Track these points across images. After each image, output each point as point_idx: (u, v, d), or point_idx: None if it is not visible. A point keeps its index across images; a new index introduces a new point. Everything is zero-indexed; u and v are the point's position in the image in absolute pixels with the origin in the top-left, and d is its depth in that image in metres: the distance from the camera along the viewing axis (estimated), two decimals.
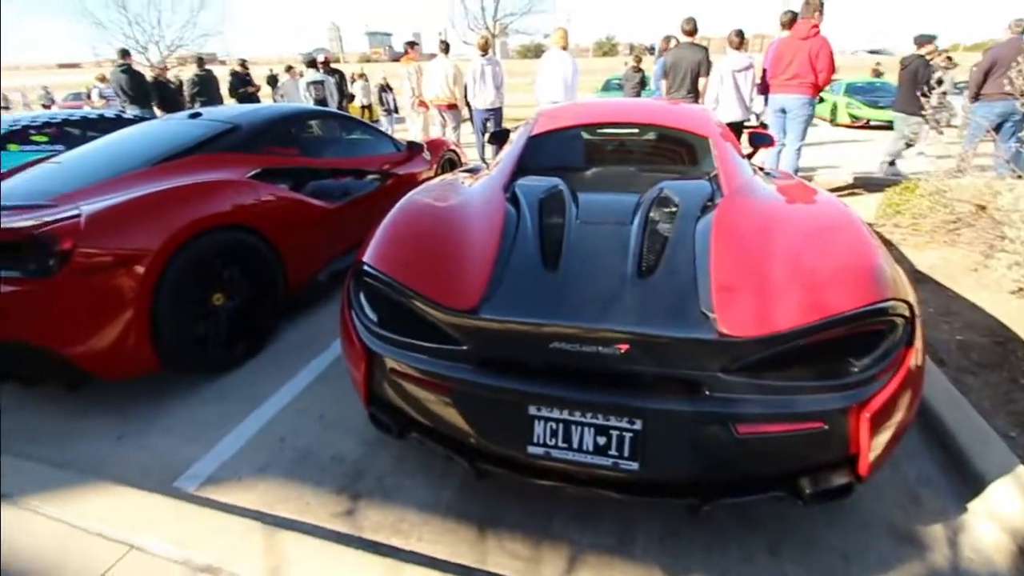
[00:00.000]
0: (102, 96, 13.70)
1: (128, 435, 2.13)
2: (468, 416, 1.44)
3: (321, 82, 7.80)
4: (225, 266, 2.50)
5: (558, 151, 2.73)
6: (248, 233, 2.60)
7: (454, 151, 5.18)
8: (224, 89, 8.48)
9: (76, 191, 2.29)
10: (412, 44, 7.97)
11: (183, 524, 1.61)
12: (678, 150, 2.79)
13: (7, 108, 16.59)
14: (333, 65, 10.29)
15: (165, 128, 3.13)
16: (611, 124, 2.93)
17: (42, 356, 1.99)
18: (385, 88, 11.61)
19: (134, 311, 2.08)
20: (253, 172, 2.81)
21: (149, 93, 7.29)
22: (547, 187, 2.05)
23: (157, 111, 7.31)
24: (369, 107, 12.40)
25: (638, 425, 1.32)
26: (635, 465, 1.33)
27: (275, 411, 2.25)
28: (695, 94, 5.58)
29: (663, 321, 1.35)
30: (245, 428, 2.14)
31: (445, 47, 7.01)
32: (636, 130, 2.93)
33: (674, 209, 1.83)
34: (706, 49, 5.57)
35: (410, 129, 8.07)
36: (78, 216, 1.99)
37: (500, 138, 3.99)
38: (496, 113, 7.05)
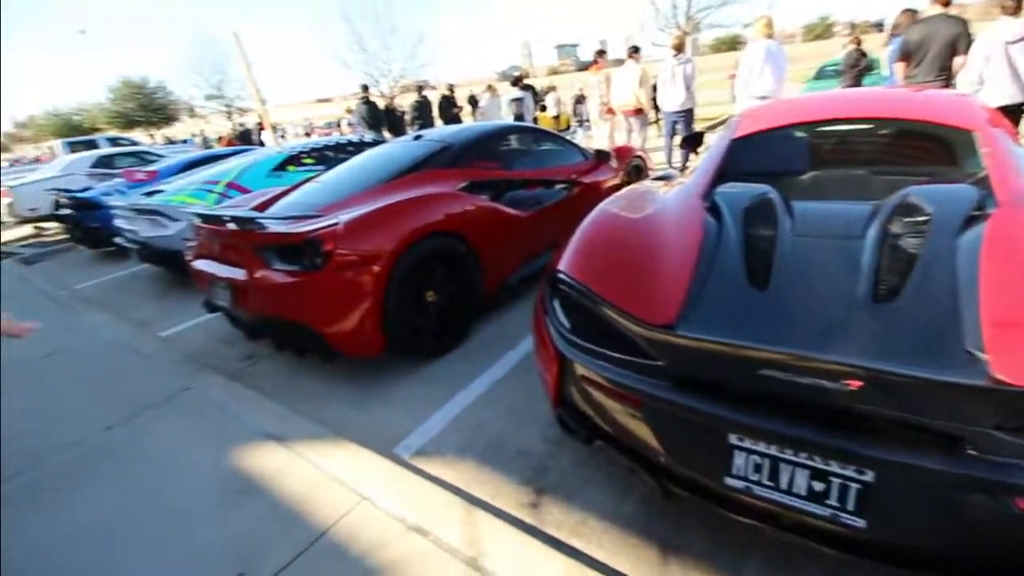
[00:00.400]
0: (349, 124, 17.08)
1: (362, 404, 2.60)
2: (659, 434, 1.41)
3: (521, 99, 8.40)
4: (436, 268, 2.88)
5: (767, 154, 2.48)
6: (455, 239, 2.94)
7: (640, 157, 5.09)
8: (435, 111, 9.77)
9: (334, 204, 2.88)
10: (601, 53, 8.07)
11: (400, 487, 1.90)
12: (928, 148, 2.30)
13: (283, 136, 21.67)
14: (526, 81, 11.01)
15: (396, 150, 3.73)
16: (838, 120, 2.54)
17: (307, 332, 2.55)
18: (580, 99, 11.97)
19: (371, 301, 2.53)
20: (461, 185, 3.18)
21: (382, 120, 8.77)
22: (754, 195, 1.88)
23: (387, 134, 8.73)
24: (558, 117, 12.94)
25: (868, 476, 1.13)
26: (861, 522, 1.15)
27: (472, 399, 2.50)
28: (946, 77, 4.52)
29: (911, 357, 1.13)
30: (447, 411, 2.43)
31: (634, 51, 6.93)
32: (869, 125, 2.50)
33: (925, 220, 1.52)
34: (965, 22, 4.47)
35: (595, 137, 8.19)
36: (337, 224, 2.50)
37: (694, 142, 3.79)
38: (686, 115, 6.71)
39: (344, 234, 2.48)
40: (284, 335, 2.75)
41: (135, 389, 2.83)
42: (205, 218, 2.84)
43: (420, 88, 9.57)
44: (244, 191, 4.77)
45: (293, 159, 5.40)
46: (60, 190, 6.86)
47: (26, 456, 2.32)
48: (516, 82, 8.90)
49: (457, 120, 10.02)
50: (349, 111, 17.01)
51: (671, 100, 6.63)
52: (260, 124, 16.44)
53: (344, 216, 2.58)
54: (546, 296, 1.82)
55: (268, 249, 2.58)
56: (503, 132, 3.96)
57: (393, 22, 22.90)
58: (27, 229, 9.95)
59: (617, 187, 4.64)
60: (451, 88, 10.01)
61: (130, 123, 36.35)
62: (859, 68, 8.01)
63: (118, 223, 5.03)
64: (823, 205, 1.89)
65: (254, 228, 2.62)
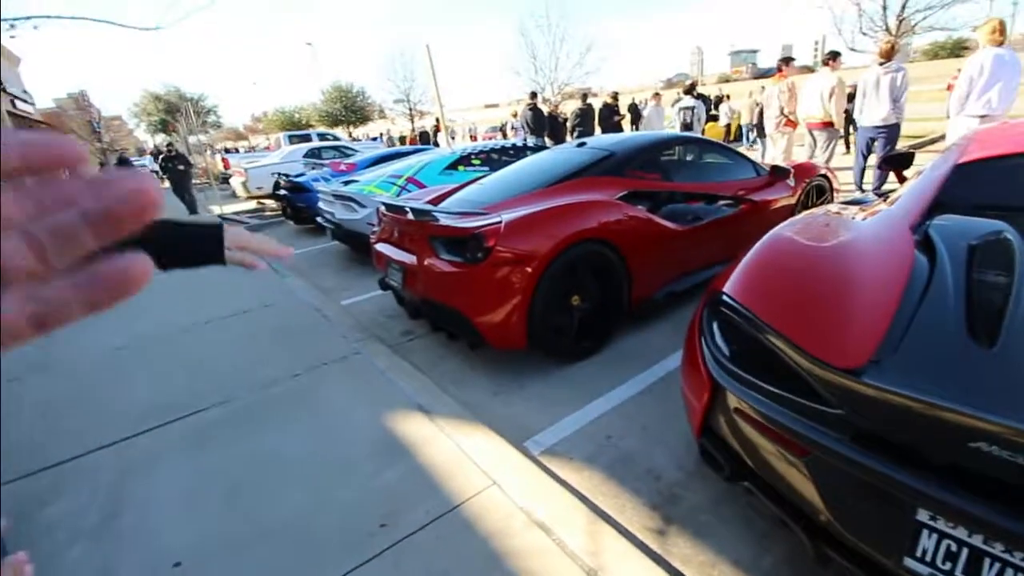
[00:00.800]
0: (512, 128, 18.06)
1: (500, 393, 2.74)
2: (825, 490, 1.25)
3: (692, 107, 8.06)
4: (585, 273, 2.90)
5: (1002, 185, 2.03)
6: (607, 247, 2.94)
7: (825, 177, 4.52)
8: (592, 119, 9.82)
9: (499, 203, 3.07)
10: (787, 60, 7.32)
11: (528, 480, 1.97)
12: None
13: (453, 137, 23.64)
14: (699, 90, 10.50)
15: (559, 155, 3.84)
16: None
17: (461, 319, 2.77)
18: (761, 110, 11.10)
19: (520, 298, 2.65)
20: (621, 194, 3.16)
21: (544, 125, 9.08)
22: (984, 231, 1.55)
23: (547, 140, 9.03)
24: (728, 127, 12.13)
25: None
26: None
27: (605, 409, 2.48)
28: None
29: None
30: (580, 416, 2.44)
31: (832, 57, 6.17)
32: None
33: None
34: None
35: (763, 150, 7.46)
36: (500, 223, 2.66)
37: (900, 163, 3.26)
38: (888, 132, 5.80)
39: (505, 232, 2.63)
40: (441, 318, 3.02)
41: (319, 345, 3.35)
42: (389, 207, 3.25)
43: (584, 96, 9.66)
44: (420, 186, 5.33)
45: (463, 160, 5.87)
46: (281, 174, 8.38)
47: (232, 390, 2.89)
48: (689, 90, 8.53)
49: (618, 128, 9.94)
50: (514, 115, 17.98)
51: (872, 114, 5.78)
52: (436, 127, 18.16)
53: (507, 215, 2.74)
54: (704, 317, 1.73)
55: (438, 239, 2.85)
56: (668, 142, 3.84)
57: (564, 31, 23.45)
58: (252, 204, 12.33)
59: (792, 208, 4.21)
60: (614, 96, 9.96)
61: (335, 121, 42.80)
62: None
63: (320, 205, 5.98)
64: None
65: (428, 219, 2.91)
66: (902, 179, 3.16)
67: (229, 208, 11.84)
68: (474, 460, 2.09)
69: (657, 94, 12.46)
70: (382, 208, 3.40)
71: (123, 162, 10.07)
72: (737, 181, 3.90)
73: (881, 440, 1.17)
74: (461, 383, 2.89)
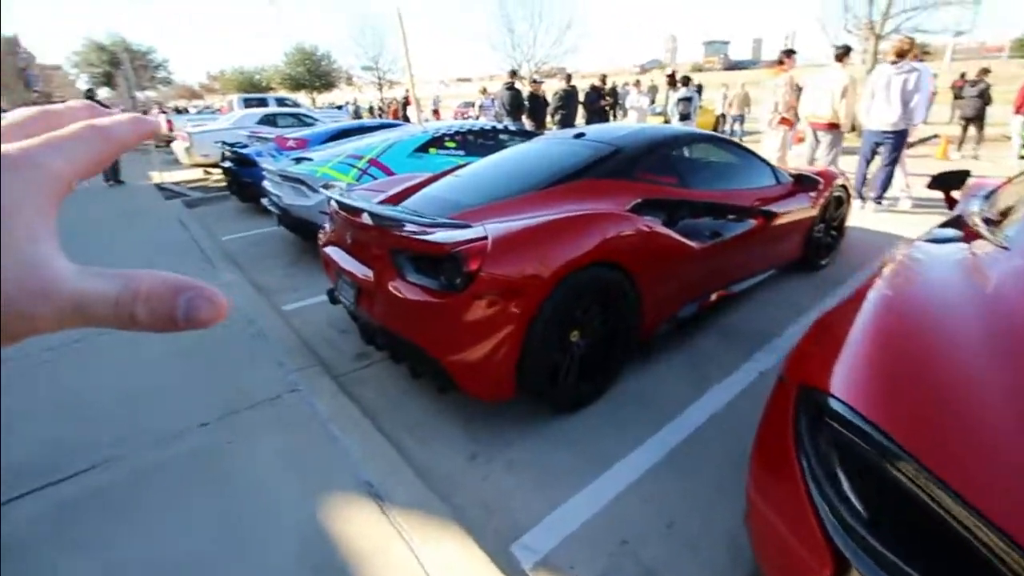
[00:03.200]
0: (481, 107, 17.04)
1: (479, 456, 2.13)
2: None
3: (689, 98, 7.51)
4: (589, 303, 2.31)
5: None
6: (617, 270, 2.35)
7: (844, 188, 4.06)
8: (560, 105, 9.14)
9: (479, 207, 2.41)
10: (789, 53, 6.84)
11: None
12: None
13: (437, 111, 22.07)
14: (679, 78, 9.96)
15: (553, 148, 3.18)
16: None
17: (428, 360, 2.13)
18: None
19: (509, 338, 2.03)
20: (632, 202, 2.55)
21: (523, 107, 8.35)
22: None
23: (527, 122, 8.31)
24: (723, 116, 11.75)
25: None
26: None
27: (617, 489, 1.91)
28: None
29: None
30: (586, 499, 1.87)
31: (844, 52, 5.72)
32: None
33: None
34: None
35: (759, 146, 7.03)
36: (485, 239, 2.02)
37: (951, 182, 2.78)
38: (896, 137, 5.43)
39: (492, 252, 1.99)
40: (403, 354, 2.37)
41: (245, 374, 2.65)
42: (341, 205, 2.53)
43: (568, 76, 8.96)
44: (385, 169, 4.57)
45: (435, 141, 5.13)
46: (226, 143, 7.37)
47: (112, 446, 2.17)
48: (686, 81, 7.97)
49: (603, 114, 9.30)
50: (484, 92, 16.95)
51: (880, 117, 5.38)
52: (407, 99, 17.02)
53: (493, 228, 2.09)
54: (804, 428, 1.15)
55: (403, 254, 2.18)
56: (682, 139, 3.23)
57: (542, 7, 22.41)
58: (198, 172, 11.12)
59: (813, 221, 3.73)
60: (602, 78, 9.28)
61: (297, 86, 40.31)
62: None
63: (265, 184, 5.14)
64: None
65: (391, 226, 2.23)
66: (952, 202, 2.69)
67: (169, 176, 10.61)
68: None
69: (638, 81, 11.92)
70: (333, 204, 2.69)
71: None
72: (757, 189, 3.36)
73: None
74: (427, 438, 2.26)
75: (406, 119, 16.15)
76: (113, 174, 9.55)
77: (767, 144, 7.01)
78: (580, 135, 3.25)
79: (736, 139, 10.43)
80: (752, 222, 3.18)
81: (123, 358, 2.87)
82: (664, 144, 3.04)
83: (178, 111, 27.43)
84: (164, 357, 2.85)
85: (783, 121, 6.56)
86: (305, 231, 4.52)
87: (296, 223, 4.56)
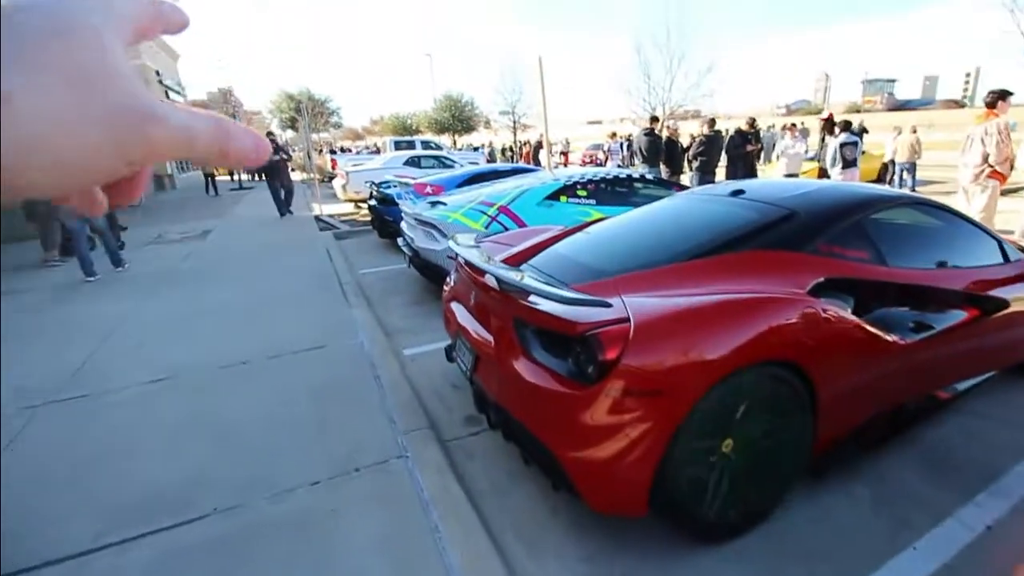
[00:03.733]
0: (608, 150, 16.80)
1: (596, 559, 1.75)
2: None
3: (855, 143, 6.57)
4: (750, 409, 1.84)
5: None
6: (790, 370, 1.86)
7: None
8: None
9: (616, 277, 2.09)
10: (1004, 95, 5.59)
11: None
12: None
13: (566, 153, 22.37)
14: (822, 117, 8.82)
15: (706, 208, 2.78)
16: None
17: (547, 456, 1.82)
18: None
19: (648, 442, 1.66)
20: (812, 284, 2.05)
21: (660, 154, 7.95)
22: None
23: (663, 170, 7.88)
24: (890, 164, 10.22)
25: None
26: None
27: None
28: None
29: None
30: None
31: None
32: None
33: None
34: None
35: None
36: (627, 322, 1.69)
37: None
38: None
39: (637, 340, 1.65)
40: (516, 437, 2.09)
41: (359, 428, 2.58)
42: (467, 262, 2.39)
43: (712, 121, 8.38)
44: (515, 218, 4.50)
45: (566, 189, 4.96)
46: (373, 182, 8.02)
47: (236, 492, 2.17)
48: (847, 125, 7.00)
49: (749, 162, 8.50)
50: (612, 135, 16.71)
51: None
52: (539, 143, 17.53)
53: (636, 307, 1.76)
54: None
55: (528, 327, 1.94)
56: (880, 202, 2.58)
57: (683, 50, 21.79)
58: (350, 207, 12.35)
59: None
60: (751, 123, 8.51)
61: (442, 129, 44.15)
62: None
63: (402, 225, 5.37)
64: None
65: (517, 293, 2.01)
66: None
67: (327, 209, 11.92)
68: None
69: (792, 124, 10.79)
70: (459, 258, 2.57)
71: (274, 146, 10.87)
72: (978, 269, 2.60)
73: None
74: (535, 543, 1.93)
75: (537, 162, 16.54)
76: (287, 196, 10.93)
77: (967, 203, 5.75)
78: (738, 192, 2.79)
79: (907, 190, 8.90)
80: (970, 311, 2.44)
81: (264, 398, 3.00)
82: (854, 208, 2.46)
83: (342, 151, 31.51)
84: (296, 400, 2.92)
85: (993, 174, 5.34)
86: (433, 274, 4.58)
87: (425, 265, 4.65)
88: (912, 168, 11.29)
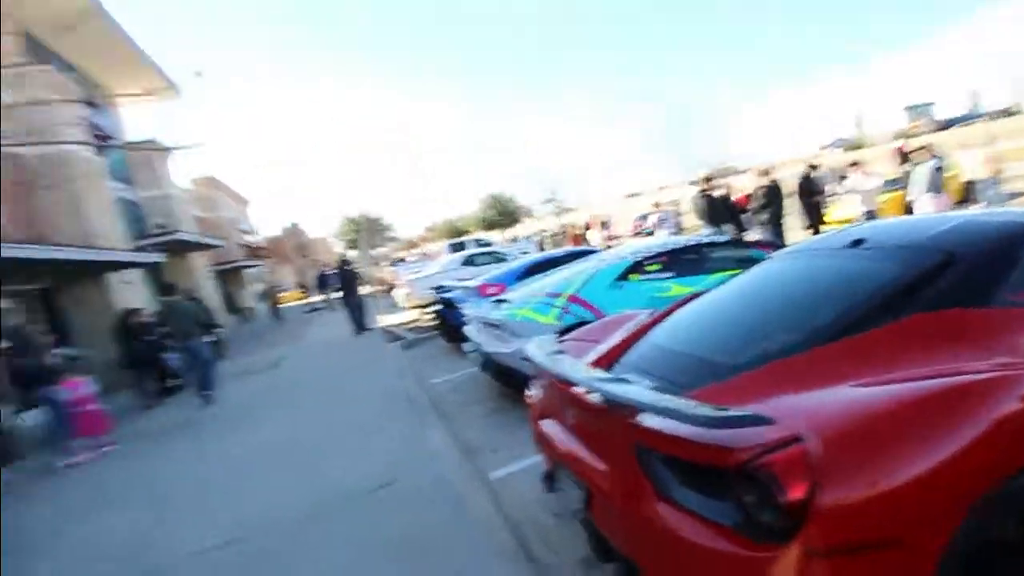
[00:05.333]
0: (659, 221, 16.45)
1: None
2: None
3: (939, 168, 5.95)
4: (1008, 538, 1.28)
5: None
6: None
7: None
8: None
9: (749, 372, 1.65)
10: None
11: None
12: None
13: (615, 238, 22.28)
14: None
15: (822, 265, 2.32)
16: None
17: None
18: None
19: None
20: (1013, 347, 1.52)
21: (721, 214, 7.56)
22: None
23: (729, 229, 7.44)
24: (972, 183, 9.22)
25: None
26: None
27: None
28: None
29: None
30: None
31: None
32: None
33: None
34: None
35: None
36: (798, 441, 1.24)
37: None
38: None
39: (828, 462, 1.19)
40: None
41: None
42: (555, 375, 2.02)
43: (766, 171, 7.99)
44: (587, 305, 4.17)
45: (635, 267, 4.61)
46: (439, 287, 8.02)
47: None
48: (928, 149, 6.41)
49: (817, 209, 7.90)
50: (656, 205, 16.37)
51: None
52: (588, 224, 17.66)
53: (795, 412, 1.31)
54: None
55: (655, 456, 1.52)
56: None
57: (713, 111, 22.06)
58: (414, 313, 12.55)
59: None
60: (813, 167, 8.01)
61: (489, 225, 46.25)
62: None
63: (467, 330, 5.16)
64: None
65: (632, 410, 1.59)
66: None
67: (391, 319, 12.15)
68: None
69: (855, 162, 10.17)
70: (547, 369, 2.20)
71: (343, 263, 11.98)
72: None
73: None
74: None
75: (586, 242, 16.45)
76: (359, 312, 11.23)
77: None
78: (859, 242, 2.31)
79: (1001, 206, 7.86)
80: None
81: (327, 562, 2.65)
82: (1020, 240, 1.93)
83: (400, 261, 33.31)
84: (366, 559, 2.53)
85: None
86: (507, 379, 4.24)
87: (498, 370, 4.33)
88: (996, 182, 10.18)
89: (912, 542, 1.13)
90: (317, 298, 21.71)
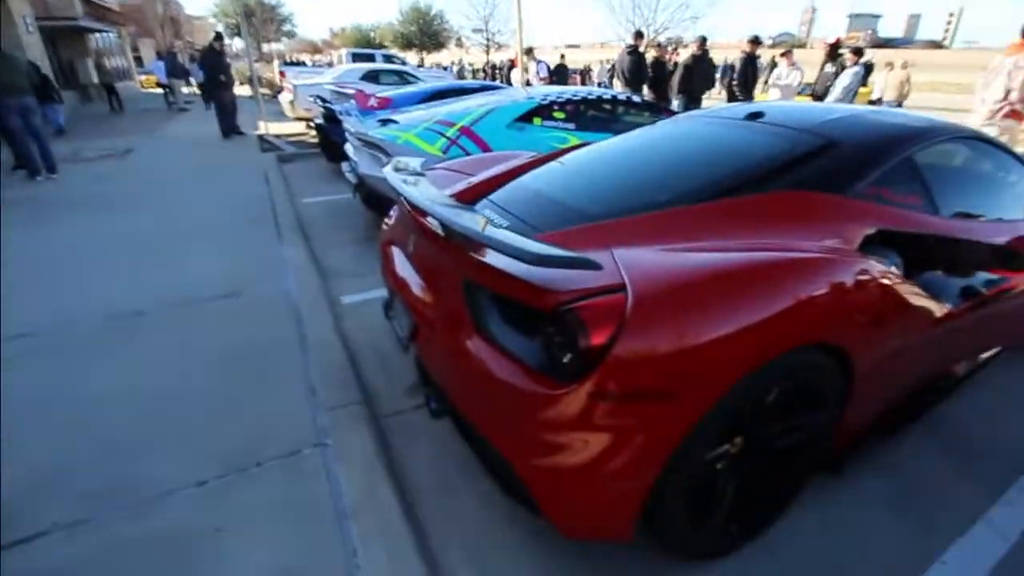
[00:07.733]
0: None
1: None
2: None
3: (860, 75, 5.95)
4: (775, 400, 1.40)
5: None
6: (825, 353, 1.40)
7: None
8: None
9: (602, 223, 1.55)
10: None
11: None
12: None
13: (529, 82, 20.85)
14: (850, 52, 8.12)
15: (716, 134, 2.19)
16: None
17: (505, 468, 1.34)
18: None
19: (645, 460, 1.19)
20: (862, 237, 1.56)
21: (645, 77, 7.13)
22: None
23: (647, 92, 7.11)
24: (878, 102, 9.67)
25: None
26: None
27: None
28: None
29: None
30: None
31: None
32: None
33: None
34: None
35: None
36: (623, 290, 1.16)
37: None
38: None
39: (638, 316, 1.13)
40: (466, 435, 1.60)
41: (269, 403, 2.05)
42: (404, 196, 1.77)
43: (702, 40, 7.55)
44: (478, 141, 3.80)
45: (541, 110, 4.23)
46: (320, 97, 6.97)
47: (106, 496, 1.63)
48: (858, 52, 6.36)
49: (747, 91, 7.75)
50: (605, 62, 15.38)
51: None
52: (512, 61, 16.09)
53: (634, 265, 1.23)
54: None
55: (483, 292, 1.39)
56: (934, 134, 2.05)
57: None
58: (299, 126, 11.09)
59: None
60: (755, 41, 7.57)
61: (408, 44, 40.66)
62: None
63: (347, 148, 4.58)
64: None
65: (467, 243, 1.42)
66: None
67: (274, 128, 10.65)
68: None
69: (787, 51, 10.01)
70: (398, 191, 1.93)
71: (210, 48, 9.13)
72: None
73: None
74: (483, 553, 1.50)
75: (508, 83, 15.20)
76: (229, 128, 9.60)
77: None
78: (756, 115, 2.21)
79: None
80: (1018, 272, 2.03)
81: (154, 363, 2.41)
82: (903, 140, 1.92)
83: (295, 63, 28.45)
84: (194, 369, 2.33)
85: (1013, 114, 4.88)
86: (379, 208, 3.91)
87: (371, 196, 3.95)
88: (899, 107, 10.86)
89: (684, 397, 1.15)
90: (186, 90, 18.06)
